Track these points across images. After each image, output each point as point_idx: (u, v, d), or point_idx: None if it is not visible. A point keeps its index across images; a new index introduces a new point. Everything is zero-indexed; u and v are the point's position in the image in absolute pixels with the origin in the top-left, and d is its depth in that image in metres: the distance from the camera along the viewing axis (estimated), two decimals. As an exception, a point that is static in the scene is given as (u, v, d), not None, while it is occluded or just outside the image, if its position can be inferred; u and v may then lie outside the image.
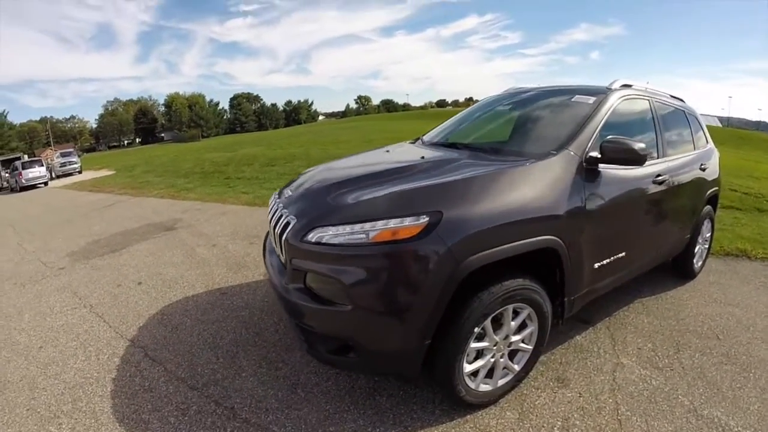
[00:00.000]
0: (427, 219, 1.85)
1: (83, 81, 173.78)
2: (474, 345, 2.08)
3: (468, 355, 2.08)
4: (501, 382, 2.31)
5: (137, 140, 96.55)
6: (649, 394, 2.43)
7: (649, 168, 2.92)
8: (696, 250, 3.89)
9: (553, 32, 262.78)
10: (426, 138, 3.63)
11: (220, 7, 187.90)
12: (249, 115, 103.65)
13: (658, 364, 2.71)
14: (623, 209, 2.69)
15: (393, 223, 1.86)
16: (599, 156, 2.44)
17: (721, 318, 3.29)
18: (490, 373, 2.28)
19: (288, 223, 2.18)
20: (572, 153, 2.45)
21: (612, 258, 2.66)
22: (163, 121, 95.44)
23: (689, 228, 3.62)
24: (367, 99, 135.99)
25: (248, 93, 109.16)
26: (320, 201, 2.23)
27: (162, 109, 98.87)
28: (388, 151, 3.32)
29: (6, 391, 2.75)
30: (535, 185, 2.20)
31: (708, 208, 3.90)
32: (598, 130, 2.60)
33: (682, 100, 3.98)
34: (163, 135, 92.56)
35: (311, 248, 1.97)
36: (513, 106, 3.53)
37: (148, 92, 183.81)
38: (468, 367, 2.11)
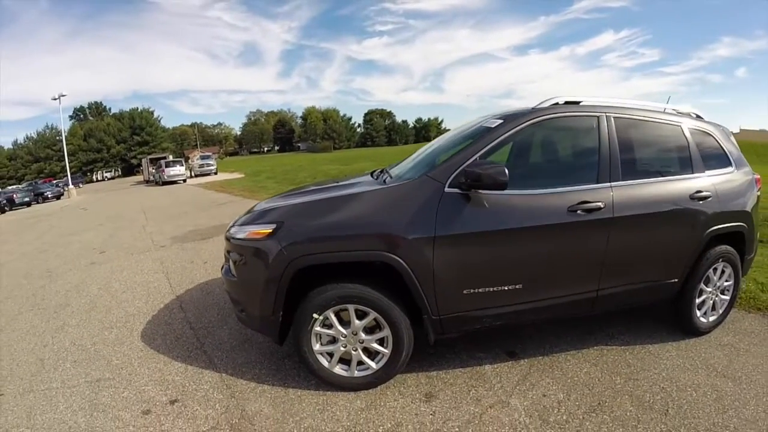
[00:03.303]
0: (274, 226, 2.68)
1: (231, 92, 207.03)
2: (321, 329, 2.69)
3: (320, 338, 2.73)
4: (358, 374, 2.78)
5: (275, 148, 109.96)
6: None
7: (567, 196, 2.80)
8: (700, 300, 3.35)
9: (694, 48, 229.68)
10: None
11: (357, 27, 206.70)
12: (380, 130, 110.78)
13: (549, 418, 2.49)
14: (511, 238, 2.70)
15: (259, 227, 2.76)
16: (464, 181, 2.60)
17: (696, 390, 2.73)
18: (347, 362, 2.79)
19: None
20: (431, 178, 2.70)
21: (495, 288, 2.72)
22: (300, 132, 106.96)
23: (678, 270, 3.18)
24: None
25: (382, 109, 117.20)
26: (253, 208, 3.24)
27: (299, 121, 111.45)
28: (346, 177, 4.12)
29: (92, 311, 4.53)
30: (374, 206, 2.68)
31: (723, 248, 3.33)
32: (478, 155, 2.72)
33: (691, 116, 3.54)
34: (299, 145, 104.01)
35: (228, 239, 3.00)
36: (460, 132, 3.55)
37: (289, 105, 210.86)
38: (318, 347, 2.72)
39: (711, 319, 3.44)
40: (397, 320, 2.65)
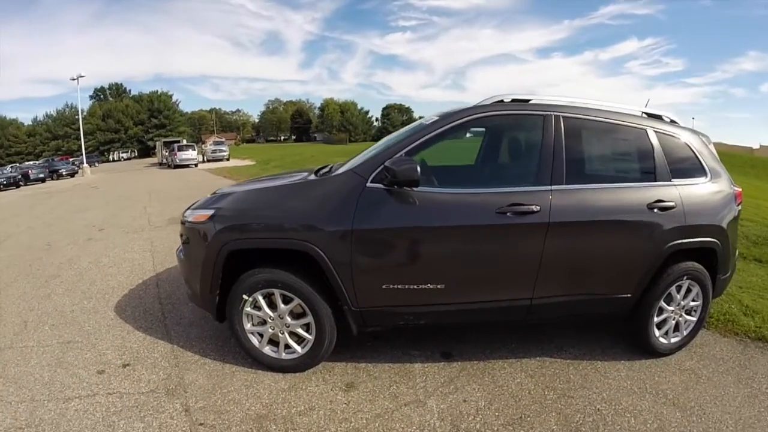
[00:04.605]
0: (213, 212, 2.93)
1: (252, 80, 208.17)
2: (251, 310, 2.88)
3: (252, 318, 2.92)
4: (286, 356, 2.94)
5: (292, 137, 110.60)
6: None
7: (497, 196, 2.71)
8: (660, 318, 3.10)
9: (719, 60, 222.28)
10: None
11: (381, 21, 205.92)
12: (397, 125, 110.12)
13: (461, 425, 2.44)
14: (431, 237, 2.71)
15: (203, 211, 3.01)
16: (386, 177, 2.63)
17: (635, 417, 2.50)
18: (276, 345, 2.95)
19: None
20: (355, 173, 2.80)
21: (415, 286, 2.71)
22: (317, 123, 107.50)
23: (630, 285, 2.95)
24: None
25: (400, 104, 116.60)
26: (215, 193, 3.43)
27: (317, 111, 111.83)
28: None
29: (79, 282, 4.95)
30: (299, 197, 2.89)
31: (688, 265, 3.03)
32: (404, 151, 2.75)
33: (664, 119, 3.27)
34: (315, 135, 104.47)
35: (183, 222, 3.24)
36: (407, 128, 3.51)
37: (310, 95, 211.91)
38: (249, 326, 2.92)
39: (673, 340, 3.17)
40: (318, 308, 2.79)
